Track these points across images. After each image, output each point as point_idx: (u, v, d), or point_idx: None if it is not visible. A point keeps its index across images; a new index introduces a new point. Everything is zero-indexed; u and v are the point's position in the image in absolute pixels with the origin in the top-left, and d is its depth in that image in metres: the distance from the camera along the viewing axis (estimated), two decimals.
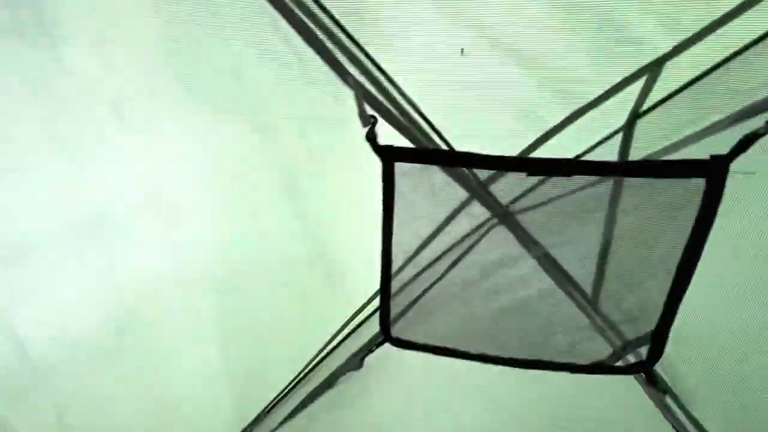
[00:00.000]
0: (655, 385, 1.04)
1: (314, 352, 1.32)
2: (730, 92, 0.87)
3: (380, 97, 0.95)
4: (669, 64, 1.01)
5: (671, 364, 1.13)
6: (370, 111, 0.88)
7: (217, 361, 1.42)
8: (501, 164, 0.85)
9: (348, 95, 0.92)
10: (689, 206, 0.82)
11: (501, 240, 1.21)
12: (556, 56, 1.08)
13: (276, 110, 1.14)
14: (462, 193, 1.07)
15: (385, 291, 1.04)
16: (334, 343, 1.28)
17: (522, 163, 0.85)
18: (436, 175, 0.93)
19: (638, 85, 1.05)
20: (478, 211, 1.18)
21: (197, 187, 1.28)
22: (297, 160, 1.19)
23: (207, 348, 1.41)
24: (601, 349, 1.04)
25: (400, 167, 0.90)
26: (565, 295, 1.11)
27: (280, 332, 1.35)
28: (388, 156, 0.88)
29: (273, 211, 1.24)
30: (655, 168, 0.79)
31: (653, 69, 1.04)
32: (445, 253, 1.09)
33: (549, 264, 1.15)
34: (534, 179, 1.06)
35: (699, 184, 0.80)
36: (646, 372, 1.03)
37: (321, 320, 1.30)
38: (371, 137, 0.87)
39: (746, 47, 0.88)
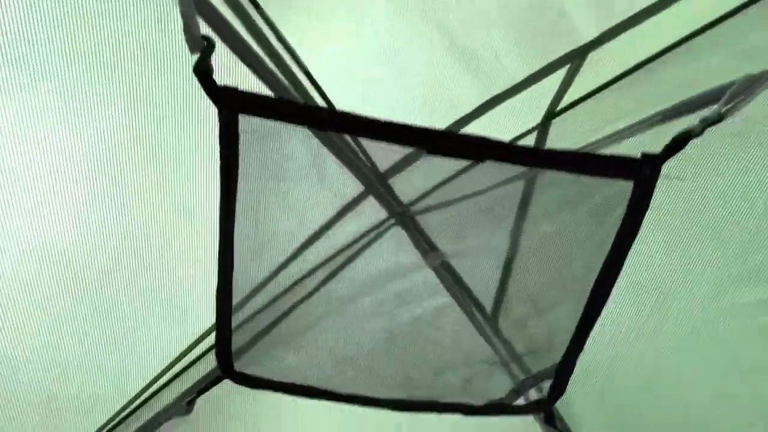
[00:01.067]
0: (554, 424, 0.89)
1: (130, 395, 0.92)
2: (661, 87, 0.77)
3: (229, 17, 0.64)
4: (593, 55, 0.89)
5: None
6: (204, 29, 0.57)
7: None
8: (394, 133, 0.61)
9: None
10: (610, 214, 0.67)
11: (392, 247, 0.98)
12: (478, 31, 0.90)
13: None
14: (346, 181, 0.82)
15: (223, 308, 0.72)
16: (159, 384, 0.91)
17: (422, 136, 0.61)
18: (308, 143, 0.65)
19: (561, 74, 0.91)
20: (369, 210, 0.95)
21: None
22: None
23: None
24: (498, 386, 0.85)
25: (248, 123, 0.60)
26: (465, 318, 0.91)
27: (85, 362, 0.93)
28: (228, 103, 0.57)
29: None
30: (577, 160, 0.62)
31: (577, 58, 0.91)
32: (318, 265, 0.82)
33: (448, 278, 0.95)
34: (438, 174, 0.86)
35: (624, 188, 0.65)
36: (546, 411, 0.87)
37: (146, 349, 0.92)
38: (202, 70, 0.56)
39: (679, 42, 0.79)
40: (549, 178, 0.69)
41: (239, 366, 0.76)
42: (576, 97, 0.95)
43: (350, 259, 0.93)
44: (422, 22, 0.89)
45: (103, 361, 0.98)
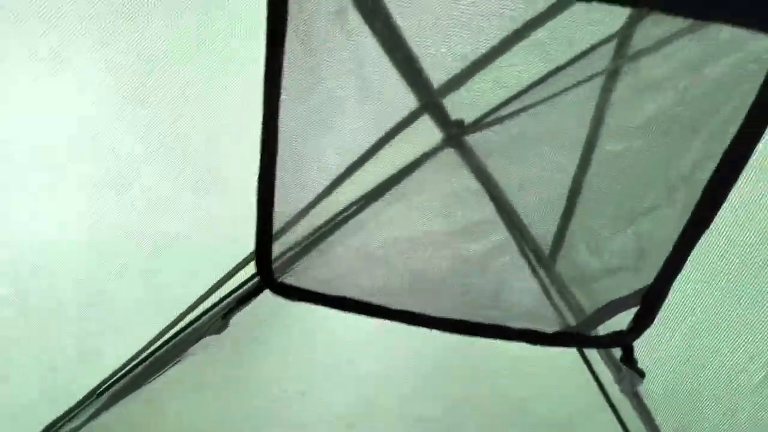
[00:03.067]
0: (632, 363, 0.77)
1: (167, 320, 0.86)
2: None
3: None
4: None
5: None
6: None
7: None
8: None
9: None
10: (744, 84, 0.52)
11: (447, 168, 0.87)
12: None
13: None
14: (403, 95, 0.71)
15: (264, 213, 0.65)
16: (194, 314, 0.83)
17: None
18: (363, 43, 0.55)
19: None
20: (419, 131, 0.84)
21: None
22: None
23: None
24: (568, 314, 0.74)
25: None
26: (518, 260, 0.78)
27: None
28: None
29: None
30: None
31: None
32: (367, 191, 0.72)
33: (505, 205, 0.82)
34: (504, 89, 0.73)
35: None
36: (626, 346, 0.75)
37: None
38: None
39: None
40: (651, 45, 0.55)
41: (281, 277, 0.70)
42: None
43: (397, 180, 0.83)
44: None
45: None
